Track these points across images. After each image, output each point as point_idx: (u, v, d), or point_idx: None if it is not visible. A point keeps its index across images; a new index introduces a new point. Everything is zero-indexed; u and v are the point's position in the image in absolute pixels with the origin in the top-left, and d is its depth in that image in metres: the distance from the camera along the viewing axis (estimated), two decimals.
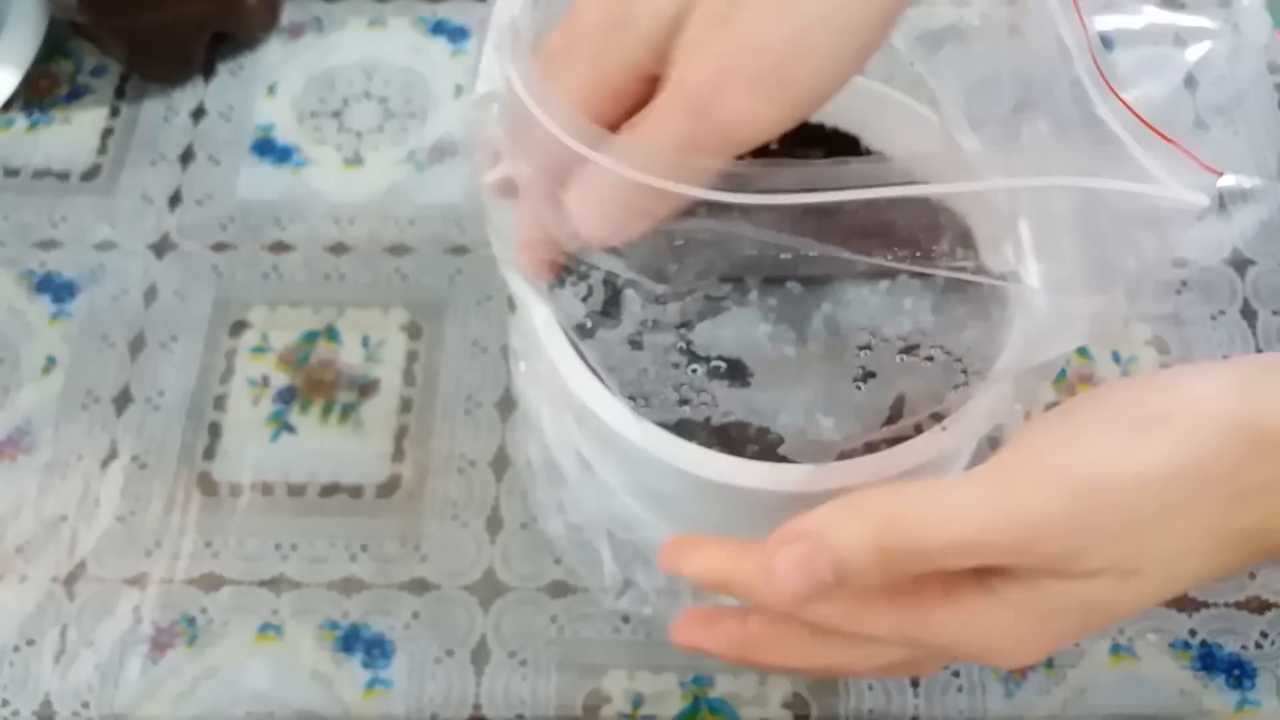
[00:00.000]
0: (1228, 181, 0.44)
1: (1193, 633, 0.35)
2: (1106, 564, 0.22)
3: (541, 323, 0.28)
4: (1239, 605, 0.36)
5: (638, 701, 0.35)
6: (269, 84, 0.47)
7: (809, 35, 0.21)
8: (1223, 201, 0.44)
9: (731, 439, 0.28)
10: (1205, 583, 0.24)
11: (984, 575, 0.22)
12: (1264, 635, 0.35)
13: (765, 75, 0.21)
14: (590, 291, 0.29)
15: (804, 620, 0.23)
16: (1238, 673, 0.35)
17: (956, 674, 0.35)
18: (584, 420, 0.28)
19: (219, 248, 0.43)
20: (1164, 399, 0.22)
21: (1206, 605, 0.36)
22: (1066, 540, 0.21)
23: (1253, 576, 0.36)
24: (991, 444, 0.39)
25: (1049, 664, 0.35)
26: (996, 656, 0.23)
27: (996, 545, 0.21)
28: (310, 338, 0.41)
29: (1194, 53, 0.47)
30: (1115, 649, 0.35)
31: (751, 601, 0.23)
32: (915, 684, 0.35)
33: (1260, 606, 0.36)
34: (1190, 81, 0.46)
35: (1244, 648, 0.35)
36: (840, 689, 0.35)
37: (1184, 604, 0.36)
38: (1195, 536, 0.22)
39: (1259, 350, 0.40)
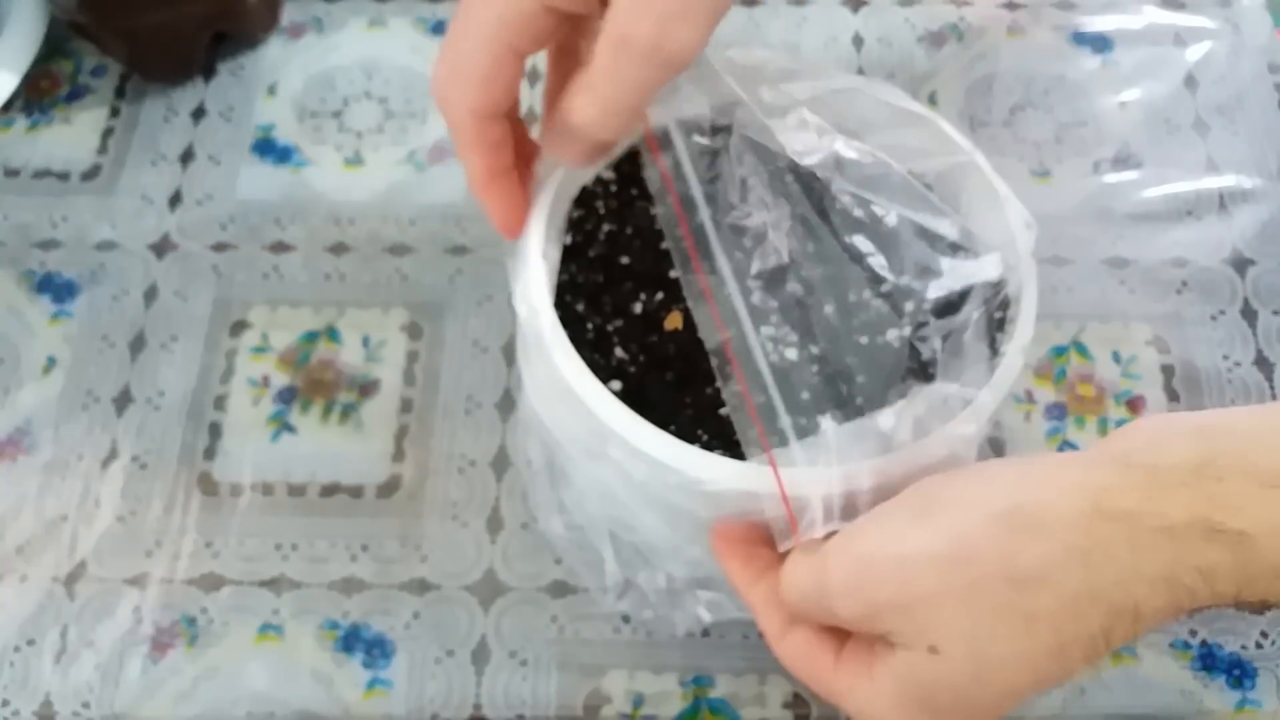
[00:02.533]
0: (1228, 181, 0.44)
1: (1193, 633, 0.35)
2: (905, 634, 0.24)
3: (547, 325, 0.28)
4: (1239, 605, 0.36)
5: (638, 701, 0.35)
6: (269, 84, 0.47)
7: None
8: (1223, 201, 0.44)
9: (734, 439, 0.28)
10: (1052, 671, 0.24)
11: (875, 655, 0.25)
12: (1264, 635, 0.35)
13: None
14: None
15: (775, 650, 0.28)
16: (1238, 673, 0.35)
17: None
18: (588, 423, 0.28)
19: (219, 248, 0.43)
20: (949, 492, 0.25)
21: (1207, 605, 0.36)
22: (853, 606, 0.25)
23: None
24: (993, 445, 0.39)
25: None
26: None
27: (815, 608, 0.26)
28: (310, 338, 0.41)
29: (1194, 53, 0.47)
30: (1116, 649, 0.35)
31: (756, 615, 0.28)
32: None
33: (1260, 606, 0.36)
34: (1190, 81, 0.46)
35: (1244, 648, 0.35)
36: None
37: None
38: (982, 618, 0.23)
39: (1259, 351, 0.40)
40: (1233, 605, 0.24)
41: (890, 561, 0.24)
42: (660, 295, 0.32)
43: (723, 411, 0.30)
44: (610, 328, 0.32)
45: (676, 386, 0.31)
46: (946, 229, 0.30)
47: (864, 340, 0.30)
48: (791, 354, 0.30)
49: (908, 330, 0.30)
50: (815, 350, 0.29)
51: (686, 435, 0.27)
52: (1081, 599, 0.23)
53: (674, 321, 0.31)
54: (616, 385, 0.31)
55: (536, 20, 0.26)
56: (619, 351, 0.31)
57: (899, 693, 0.25)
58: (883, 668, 0.25)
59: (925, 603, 0.24)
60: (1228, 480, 0.23)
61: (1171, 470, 0.23)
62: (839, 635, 0.26)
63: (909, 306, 0.30)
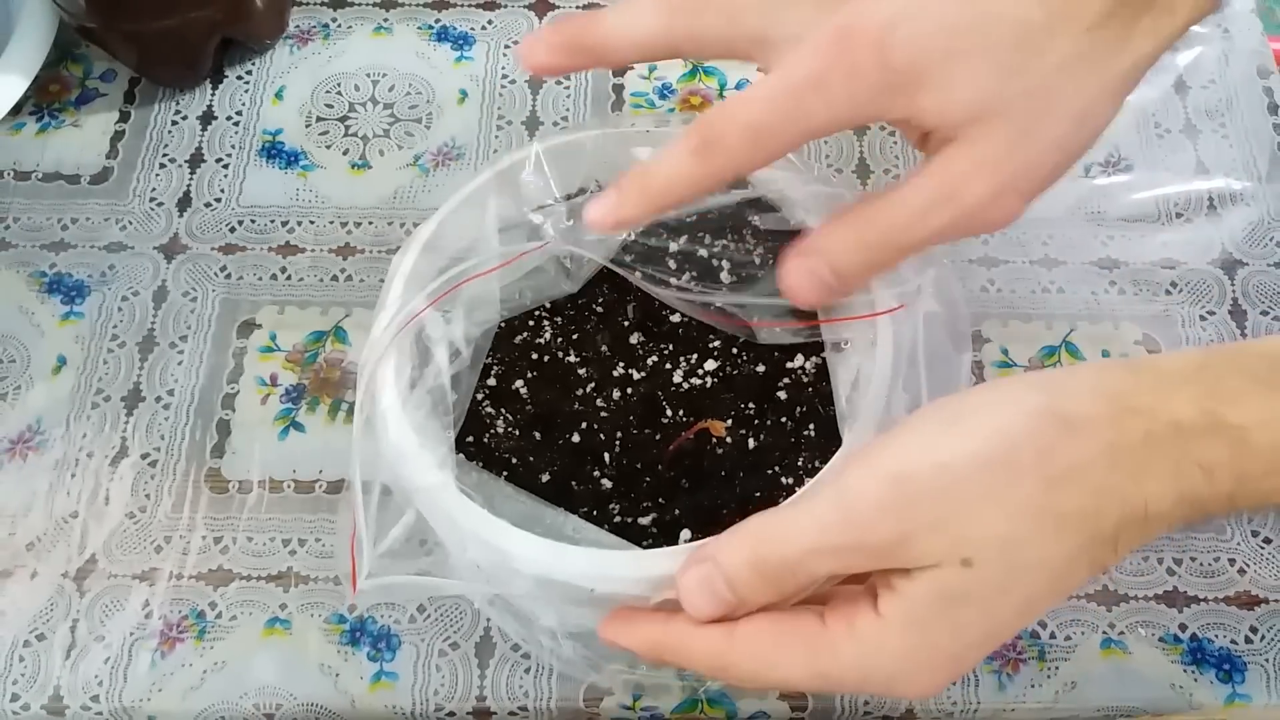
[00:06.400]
0: (1218, 184, 0.45)
1: (1183, 627, 0.36)
2: (938, 551, 0.23)
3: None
4: (1228, 600, 0.36)
5: (638, 694, 0.35)
6: (277, 89, 0.47)
7: (1078, 148, 0.26)
8: (1212, 204, 0.44)
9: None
10: (1065, 582, 0.24)
11: (876, 599, 0.24)
12: (1253, 630, 0.36)
13: (1036, 189, 0.26)
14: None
15: (722, 674, 0.25)
16: (1228, 667, 0.35)
17: None
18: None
19: (227, 250, 0.44)
20: (973, 398, 0.25)
21: (1197, 600, 0.36)
22: (886, 527, 0.23)
23: (1242, 572, 0.37)
24: None
25: (1041, 657, 0.36)
26: (901, 684, 0.24)
27: (837, 544, 0.24)
28: (318, 337, 0.42)
29: (1184, 57, 0.48)
30: (1106, 643, 0.36)
31: (686, 660, 0.26)
32: None
33: (1250, 601, 0.36)
34: (1180, 85, 0.47)
35: (1234, 642, 0.36)
36: None
37: (1174, 599, 0.36)
38: (1019, 521, 0.23)
39: None
40: (1228, 509, 0.24)
41: (930, 470, 0.23)
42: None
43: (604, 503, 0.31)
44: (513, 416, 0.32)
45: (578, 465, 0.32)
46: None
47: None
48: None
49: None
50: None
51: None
52: (1102, 495, 0.23)
53: (717, 429, 0.32)
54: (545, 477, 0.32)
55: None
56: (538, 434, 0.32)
57: (913, 620, 0.24)
58: (892, 599, 0.24)
59: (965, 511, 0.23)
60: (1225, 378, 0.24)
61: (1176, 372, 0.24)
62: (801, 607, 0.25)
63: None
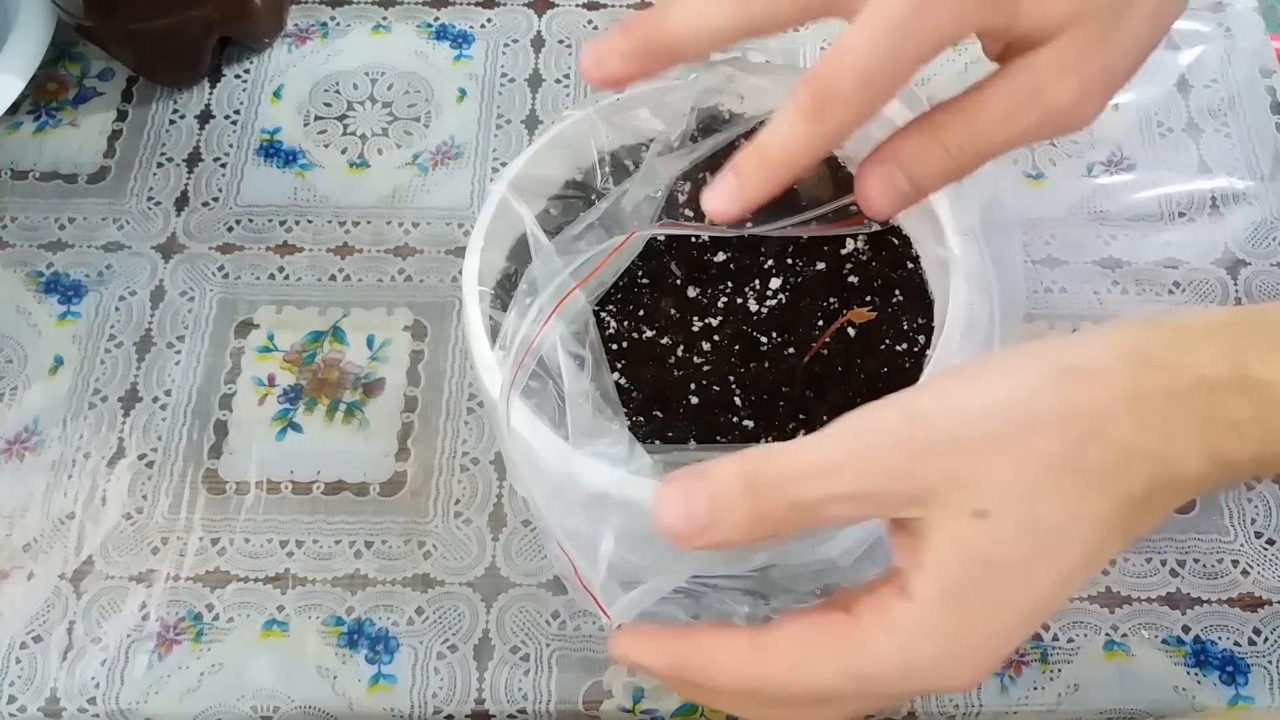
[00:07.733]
0: (1220, 183, 0.45)
1: (1186, 629, 0.36)
2: (949, 500, 0.22)
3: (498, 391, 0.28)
4: (1231, 602, 0.36)
5: (638, 696, 0.35)
6: (275, 88, 0.47)
7: (1149, 47, 0.28)
8: (1215, 203, 0.44)
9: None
10: (1100, 550, 0.23)
11: (900, 582, 0.23)
12: (1256, 632, 0.36)
13: (1115, 88, 0.28)
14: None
15: (753, 689, 0.24)
16: (1231, 669, 0.35)
17: None
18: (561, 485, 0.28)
19: (225, 249, 0.43)
20: (996, 358, 0.24)
21: (1200, 602, 0.36)
22: (896, 455, 0.23)
23: (1245, 574, 0.37)
24: None
25: (1043, 659, 0.35)
26: (946, 671, 0.23)
27: (838, 465, 0.23)
28: (316, 338, 0.41)
29: (1187, 56, 0.48)
30: (1109, 645, 0.36)
31: (711, 676, 0.24)
32: None
33: (1253, 603, 0.36)
34: (1183, 85, 0.47)
35: (1237, 644, 0.36)
36: None
37: (1177, 601, 0.36)
38: (1040, 475, 0.22)
39: None
40: (1253, 472, 0.24)
41: (947, 412, 0.23)
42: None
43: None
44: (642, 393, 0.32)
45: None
46: None
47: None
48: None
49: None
50: None
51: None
52: (1130, 454, 0.22)
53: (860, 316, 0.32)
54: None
55: None
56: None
57: (947, 593, 0.22)
58: (920, 575, 0.23)
59: (978, 455, 0.22)
60: (1251, 334, 0.23)
61: (1199, 328, 0.23)
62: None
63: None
